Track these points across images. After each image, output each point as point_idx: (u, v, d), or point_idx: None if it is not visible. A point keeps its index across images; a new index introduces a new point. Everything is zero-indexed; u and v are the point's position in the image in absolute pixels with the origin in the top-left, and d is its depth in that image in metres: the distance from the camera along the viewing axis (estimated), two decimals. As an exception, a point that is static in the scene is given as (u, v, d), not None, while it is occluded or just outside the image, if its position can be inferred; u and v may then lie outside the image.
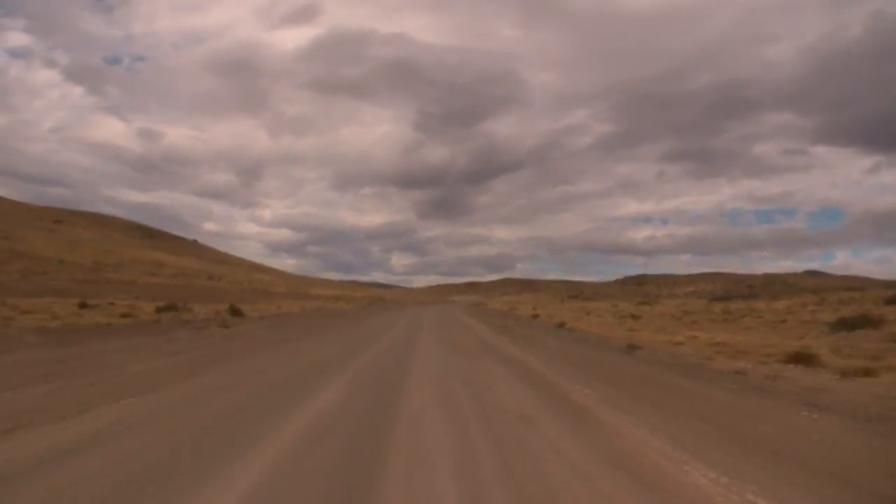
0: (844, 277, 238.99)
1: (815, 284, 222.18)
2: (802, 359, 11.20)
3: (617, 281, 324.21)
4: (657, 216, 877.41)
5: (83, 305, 26.80)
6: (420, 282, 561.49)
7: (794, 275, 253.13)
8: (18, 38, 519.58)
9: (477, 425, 5.99)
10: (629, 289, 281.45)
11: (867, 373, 9.60)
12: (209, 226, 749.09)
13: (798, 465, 4.77)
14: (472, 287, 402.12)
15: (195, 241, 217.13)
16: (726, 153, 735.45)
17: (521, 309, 60.12)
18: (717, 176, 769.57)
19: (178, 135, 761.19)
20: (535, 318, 38.27)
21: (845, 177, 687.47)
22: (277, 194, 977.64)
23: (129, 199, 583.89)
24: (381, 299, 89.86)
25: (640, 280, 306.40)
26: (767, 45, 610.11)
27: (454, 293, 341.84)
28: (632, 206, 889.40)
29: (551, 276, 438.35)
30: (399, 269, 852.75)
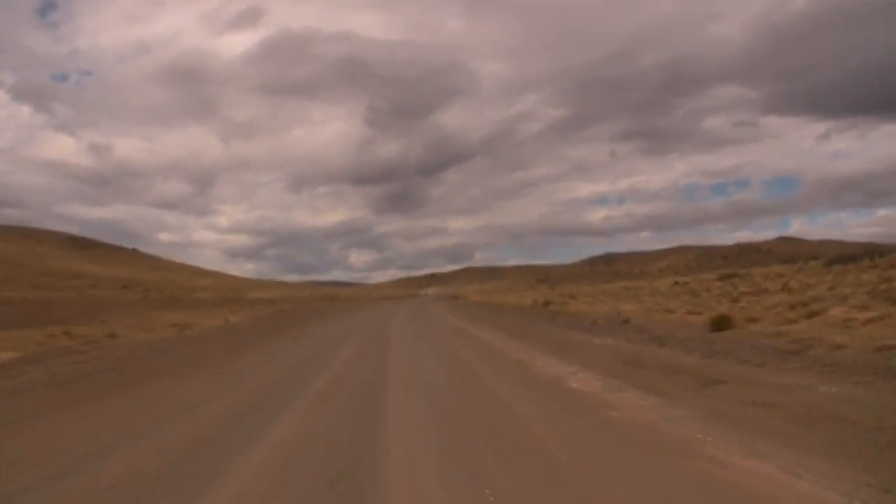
0: (817, 242, 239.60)
1: (791, 250, 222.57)
2: None
3: (583, 261, 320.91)
4: (613, 196, 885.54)
5: None
6: (380, 277, 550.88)
7: (766, 242, 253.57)
8: None
9: None
10: (598, 268, 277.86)
11: None
12: (165, 236, 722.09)
13: None
14: (433, 279, 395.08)
15: (134, 250, 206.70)
16: (677, 129, 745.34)
17: (505, 298, 52.33)
18: (669, 152, 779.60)
19: (128, 147, 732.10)
20: (549, 309, 30.84)
21: (797, 145, 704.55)
22: (232, 200, 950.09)
23: (83, 216, 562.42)
24: (333, 298, 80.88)
25: (609, 259, 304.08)
26: (712, 21, 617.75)
27: (416, 286, 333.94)
28: (587, 188, 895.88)
29: (512, 263, 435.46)
30: (358, 266, 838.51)
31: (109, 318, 29.16)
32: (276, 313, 37.54)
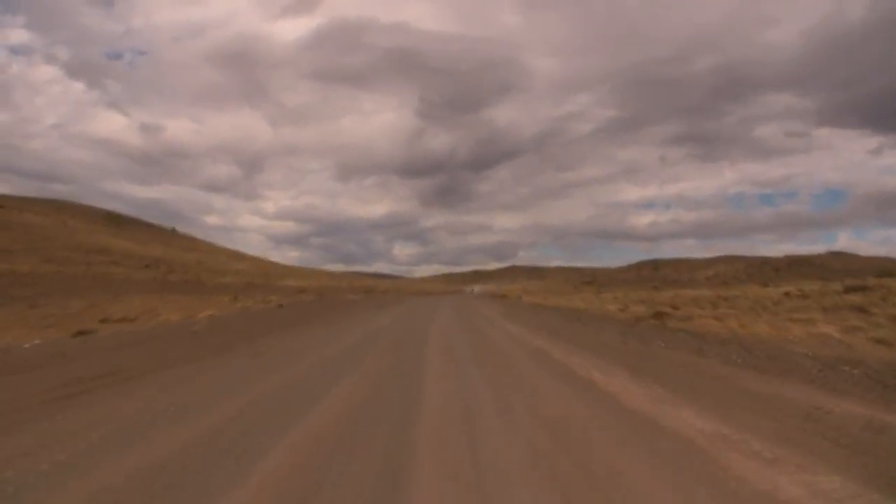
0: (868, 258, 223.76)
1: (843, 265, 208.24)
2: None
3: (630, 266, 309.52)
4: (660, 201, 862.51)
5: None
6: (423, 272, 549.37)
7: (818, 256, 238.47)
8: (19, 36, 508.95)
9: None
10: (645, 274, 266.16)
11: None
12: (211, 219, 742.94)
13: None
14: (476, 275, 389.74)
15: (174, 230, 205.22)
16: (728, 136, 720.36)
17: (567, 300, 45.73)
18: (719, 159, 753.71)
19: (179, 128, 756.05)
20: (666, 324, 24.30)
21: (848, 158, 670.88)
22: (280, 186, 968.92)
23: (131, 194, 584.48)
24: (371, 290, 75.55)
25: (655, 265, 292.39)
26: (768, 27, 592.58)
27: (459, 282, 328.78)
28: (634, 192, 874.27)
29: (555, 263, 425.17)
30: (402, 258, 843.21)
31: (102, 298, 24.11)
32: (293, 304, 32.08)
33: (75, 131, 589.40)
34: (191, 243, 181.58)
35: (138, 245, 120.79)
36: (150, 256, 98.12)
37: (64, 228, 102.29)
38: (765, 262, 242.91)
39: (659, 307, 22.76)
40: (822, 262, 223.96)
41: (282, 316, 22.40)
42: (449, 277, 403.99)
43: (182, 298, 32.76)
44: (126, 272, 60.03)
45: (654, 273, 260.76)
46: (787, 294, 28.87)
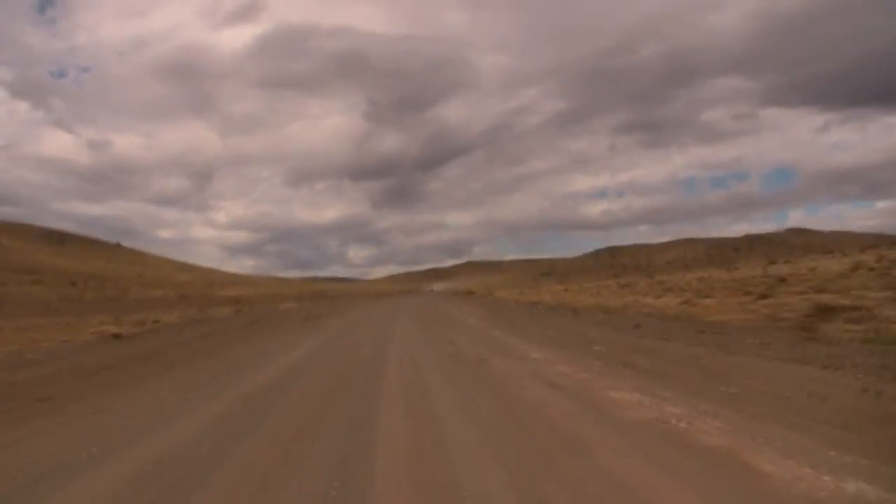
0: (828, 233, 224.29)
1: (804, 241, 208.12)
2: None
3: (587, 255, 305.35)
4: (612, 189, 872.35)
5: None
6: (379, 273, 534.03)
7: (778, 233, 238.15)
8: None
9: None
10: (603, 261, 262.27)
11: None
12: (164, 233, 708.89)
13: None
14: (433, 273, 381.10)
15: (118, 245, 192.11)
16: (676, 122, 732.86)
17: (547, 297, 36.26)
18: (668, 145, 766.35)
19: (127, 143, 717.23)
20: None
21: (796, 137, 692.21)
22: (231, 195, 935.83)
23: (81, 212, 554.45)
24: (321, 296, 64.73)
25: (612, 252, 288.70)
26: (711, 11, 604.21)
27: (416, 281, 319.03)
28: (586, 181, 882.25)
29: (511, 257, 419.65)
30: (357, 261, 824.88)
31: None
32: (190, 323, 21.69)
33: (22, 152, 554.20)
34: (137, 257, 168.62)
35: (77, 262, 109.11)
36: (83, 273, 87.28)
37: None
38: (723, 242, 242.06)
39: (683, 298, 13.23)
40: (782, 239, 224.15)
41: (120, 354, 11.98)
42: (406, 277, 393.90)
43: (55, 321, 23.05)
44: (40, 291, 49.26)
45: (612, 260, 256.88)
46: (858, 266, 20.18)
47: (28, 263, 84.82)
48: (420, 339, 14.00)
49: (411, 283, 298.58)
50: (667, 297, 24.14)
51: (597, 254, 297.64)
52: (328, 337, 15.46)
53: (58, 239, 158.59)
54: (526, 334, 14.35)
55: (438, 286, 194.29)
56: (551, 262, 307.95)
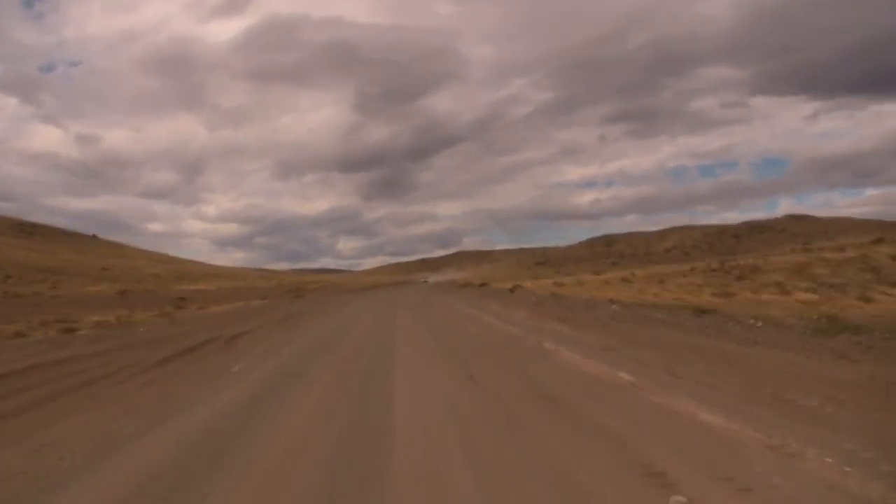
0: (828, 219, 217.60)
1: (805, 228, 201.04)
2: None
3: (581, 244, 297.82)
4: (601, 179, 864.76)
5: None
6: (369, 264, 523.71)
7: (777, 220, 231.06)
8: None
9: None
10: (599, 251, 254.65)
11: None
12: (154, 227, 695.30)
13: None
14: (424, 264, 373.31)
15: (94, 237, 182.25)
16: (666, 111, 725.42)
17: (572, 289, 27.66)
18: (657, 135, 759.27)
19: (116, 137, 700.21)
20: None
21: (785, 126, 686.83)
22: (220, 188, 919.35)
23: (71, 207, 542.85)
24: (299, 290, 55.77)
25: (607, 241, 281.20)
26: (699, 1, 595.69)
27: (406, 272, 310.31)
28: (575, 171, 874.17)
29: (501, 247, 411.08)
30: (347, 253, 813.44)
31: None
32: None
33: (12, 148, 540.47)
34: (113, 250, 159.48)
35: (41, 255, 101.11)
36: (36, 266, 79.50)
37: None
38: (721, 230, 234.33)
39: None
40: (782, 226, 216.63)
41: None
42: (396, 268, 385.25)
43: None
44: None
45: (608, 249, 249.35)
46: None
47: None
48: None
49: (402, 275, 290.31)
50: (796, 294, 15.79)
51: (591, 242, 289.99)
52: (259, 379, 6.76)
53: (28, 231, 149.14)
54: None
55: (432, 277, 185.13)
56: (544, 251, 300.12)
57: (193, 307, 28.81)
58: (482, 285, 48.17)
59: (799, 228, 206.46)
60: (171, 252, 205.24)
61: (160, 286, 64.40)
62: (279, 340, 13.12)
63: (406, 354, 10.23)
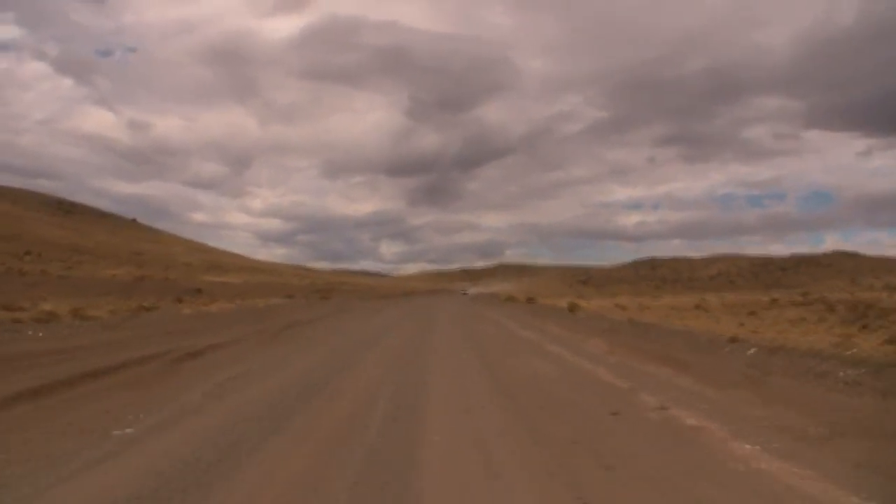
0: (877, 258, 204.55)
1: (854, 265, 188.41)
2: None
3: (625, 265, 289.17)
4: (648, 201, 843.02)
5: None
6: (409, 269, 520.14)
7: (826, 255, 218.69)
8: (9, 31, 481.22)
9: None
10: (643, 273, 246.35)
11: None
12: (198, 216, 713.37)
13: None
14: (465, 274, 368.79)
15: (133, 221, 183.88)
16: (717, 138, 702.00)
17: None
18: (708, 160, 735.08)
19: (167, 125, 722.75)
20: None
21: (837, 161, 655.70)
22: (267, 183, 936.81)
23: (119, 191, 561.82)
24: (329, 291, 51.83)
25: (653, 264, 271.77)
26: (758, 29, 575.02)
27: (446, 281, 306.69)
28: (622, 192, 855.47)
29: (543, 262, 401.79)
30: (388, 257, 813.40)
31: None
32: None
33: (63, 128, 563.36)
34: (149, 235, 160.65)
35: (75, 234, 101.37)
36: (67, 245, 78.69)
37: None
38: (768, 261, 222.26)
39: None
40: (829, 261, 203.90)
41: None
42: (436, 275, 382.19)
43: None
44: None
45: (652, 272, 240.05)
46: None
47: (18, 231, 75.51)
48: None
49: (442, 283, 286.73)
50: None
51: (635, 264, 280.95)
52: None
53: (66, 210, 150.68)
54: None
55: (472, 289, 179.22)
56: (587, 269, 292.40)
57: (200, 302, 24.89)
58: (529, 300, 42.95)
59: (846, 265, 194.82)
60: (212, 243, 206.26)
61: (187, 275, 61.84)
62: (245, 370, 8.62)
63: (444, 423, 5.55)
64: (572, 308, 26.87)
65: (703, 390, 8.01)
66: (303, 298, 36.37)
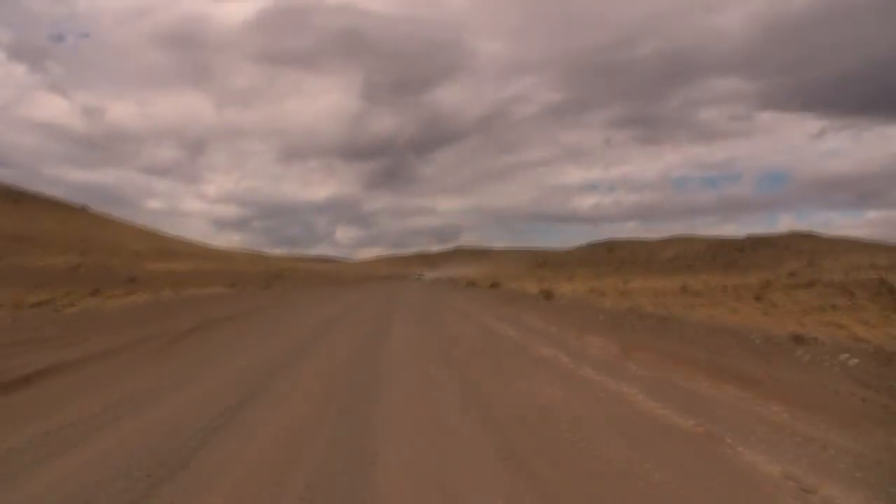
0: (834, 239, 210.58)
1: (811, 247, 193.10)
2: None
3: (581, 248, 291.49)
4: (603, 184, 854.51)
5: None
6: (366, 254, 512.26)
7: (782, 236, 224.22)
8: None
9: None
10: (600, 256, 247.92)
11: None
12: (153, 203, 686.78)
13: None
14: (422, 258, 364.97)
15: (83, 208, 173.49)
16: (672, 120, 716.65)
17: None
18: (662, 142, 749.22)
19: (121, 110, 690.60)
20: None
21: (790, 142, 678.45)
22: (223, 168, 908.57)
23: (74, 179, 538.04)
24: (278, 277, 47.55)
25: (609, 246, 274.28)
26: (713, 12, 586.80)
27: (403, 265, 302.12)
28: (578, 174, 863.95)
29: (499, 245, 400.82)
30: (344, 241, 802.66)
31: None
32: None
33: (16, 115, 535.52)
34: (100, 222, 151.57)
35: (24, 222, 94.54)
36: (10, 234, 72.78)
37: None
38: (725, 242, 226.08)
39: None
40: (786, 242, 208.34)
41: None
42: (393, 260, 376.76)
43: None
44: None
45: (609, 255, 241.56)
46: None
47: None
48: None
49: (399, 267, 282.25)
50: None
51: (592, 247, 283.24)
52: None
53: (14, 198, 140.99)
54: None
55: (430, 273, 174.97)
56: (544, 252, 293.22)
57: (118, 293, 20.65)
58: (493, 286, 39.66)
59: (803, 245, 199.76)
60: (169, 231, 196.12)
61: (132, 263, 56.36)
62: (68, 422, 4.97)
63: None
64: (547, 294, 23.59)
65: (825, 435, 4.76)
66: (245, 287, 32.11)
